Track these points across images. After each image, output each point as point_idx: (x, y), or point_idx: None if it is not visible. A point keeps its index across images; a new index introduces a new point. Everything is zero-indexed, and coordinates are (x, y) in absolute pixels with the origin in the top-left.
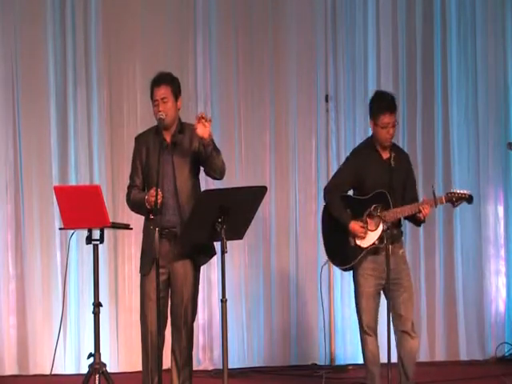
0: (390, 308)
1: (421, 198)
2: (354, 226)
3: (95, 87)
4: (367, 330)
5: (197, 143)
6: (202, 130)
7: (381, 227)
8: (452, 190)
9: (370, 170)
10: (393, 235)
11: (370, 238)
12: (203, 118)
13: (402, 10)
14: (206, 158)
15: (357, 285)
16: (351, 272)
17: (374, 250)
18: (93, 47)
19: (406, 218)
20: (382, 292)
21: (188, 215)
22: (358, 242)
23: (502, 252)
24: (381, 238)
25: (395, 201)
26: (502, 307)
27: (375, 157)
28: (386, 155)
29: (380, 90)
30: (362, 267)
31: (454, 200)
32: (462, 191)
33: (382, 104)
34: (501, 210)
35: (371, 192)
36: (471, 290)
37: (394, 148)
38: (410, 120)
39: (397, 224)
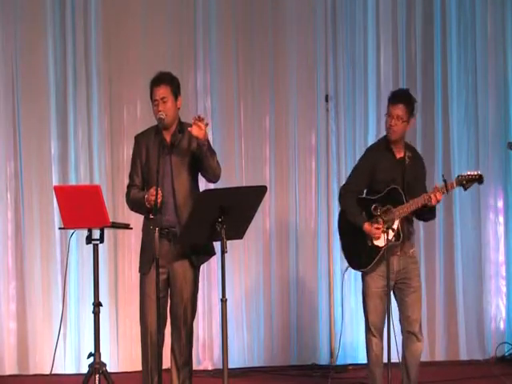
0: (393, 308)
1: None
2: (368, 227)
3: (95, 87)
4: (373, 331)
5: (195, 143)
6: (197, 131)
7: (396, 223)
8: (461, 173)
9: (381, 167)
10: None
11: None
12: (200, 120)
13: (402, 9)
14: (201, 158)
15: (365, 285)
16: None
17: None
18: (93, 47)
19: (415, 214)
20: (392, 293)
21: (186, 215)
22: (375, 242)
23: (502, 245)
24: (396, 235)
25: (408, 196)
26: (502, 307)
27: (387, 154)
28: (399, 154)
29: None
30: (370, 267)
31: (465, 182)
32: (471, 172)
33: (392, 94)
34: (500, 203)
35: (383, 189)
36: (471, 290)
37: (410, 148)
38: None
39: (408, 222)
